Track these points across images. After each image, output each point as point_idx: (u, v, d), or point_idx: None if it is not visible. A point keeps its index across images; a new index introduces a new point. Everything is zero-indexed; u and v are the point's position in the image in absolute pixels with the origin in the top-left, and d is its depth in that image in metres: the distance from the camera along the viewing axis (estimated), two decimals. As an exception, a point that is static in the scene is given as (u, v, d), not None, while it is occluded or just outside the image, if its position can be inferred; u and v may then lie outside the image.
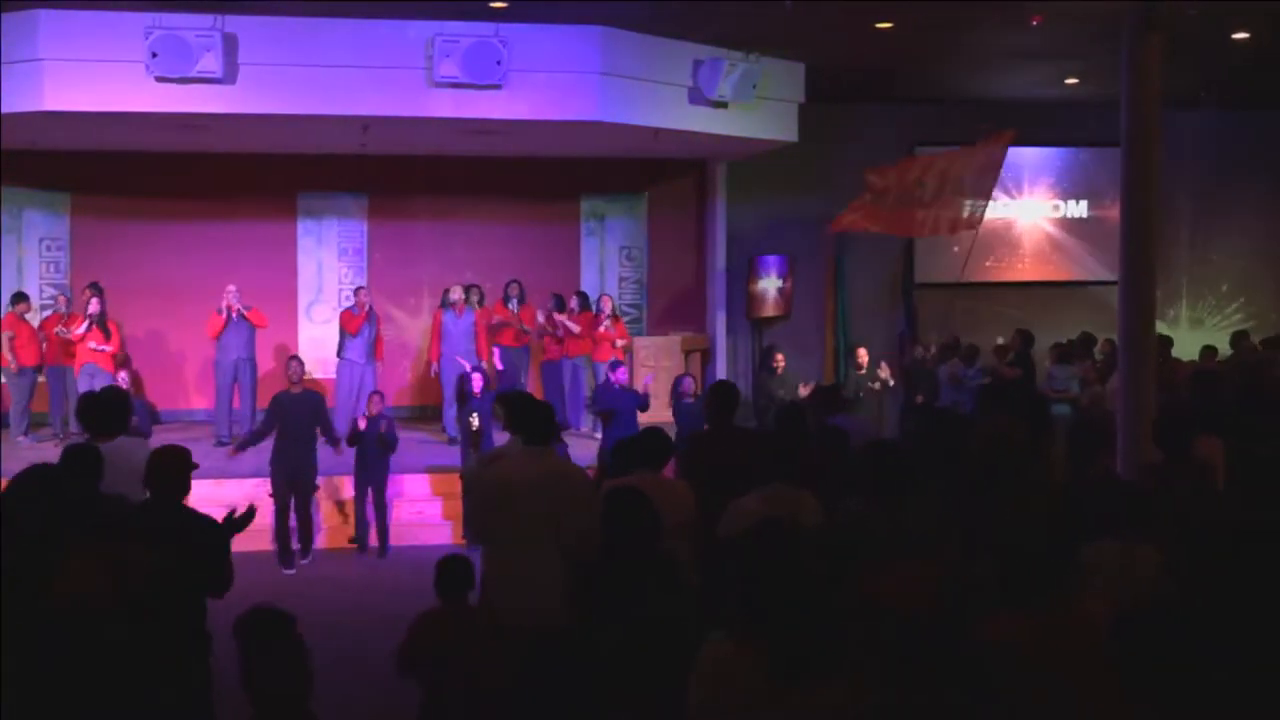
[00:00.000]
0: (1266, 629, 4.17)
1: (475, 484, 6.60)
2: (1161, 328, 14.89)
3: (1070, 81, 15.36)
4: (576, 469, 6.53)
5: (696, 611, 4.90)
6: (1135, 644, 3.47)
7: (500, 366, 14.20)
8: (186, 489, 5.86)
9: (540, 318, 15.25)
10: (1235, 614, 4.30)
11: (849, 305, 16.88)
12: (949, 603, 4.55)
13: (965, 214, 12.61)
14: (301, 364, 11.73)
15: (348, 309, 14.56)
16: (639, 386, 13.08)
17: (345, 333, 14.35)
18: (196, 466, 5.90)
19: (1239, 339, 15.28)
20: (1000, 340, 15.77)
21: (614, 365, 12.47)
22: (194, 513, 5.74)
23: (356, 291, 14.65)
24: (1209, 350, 14.90)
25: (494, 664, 5.29)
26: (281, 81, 11.69)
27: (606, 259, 17.25)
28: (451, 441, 13.82)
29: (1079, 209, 17.93)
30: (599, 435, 12.92)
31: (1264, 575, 4.46)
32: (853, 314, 16.93)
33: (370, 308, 14.47)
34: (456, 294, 14.51)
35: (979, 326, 17.10)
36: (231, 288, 14.20)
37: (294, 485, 11.31)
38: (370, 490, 11.73)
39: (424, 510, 12.56)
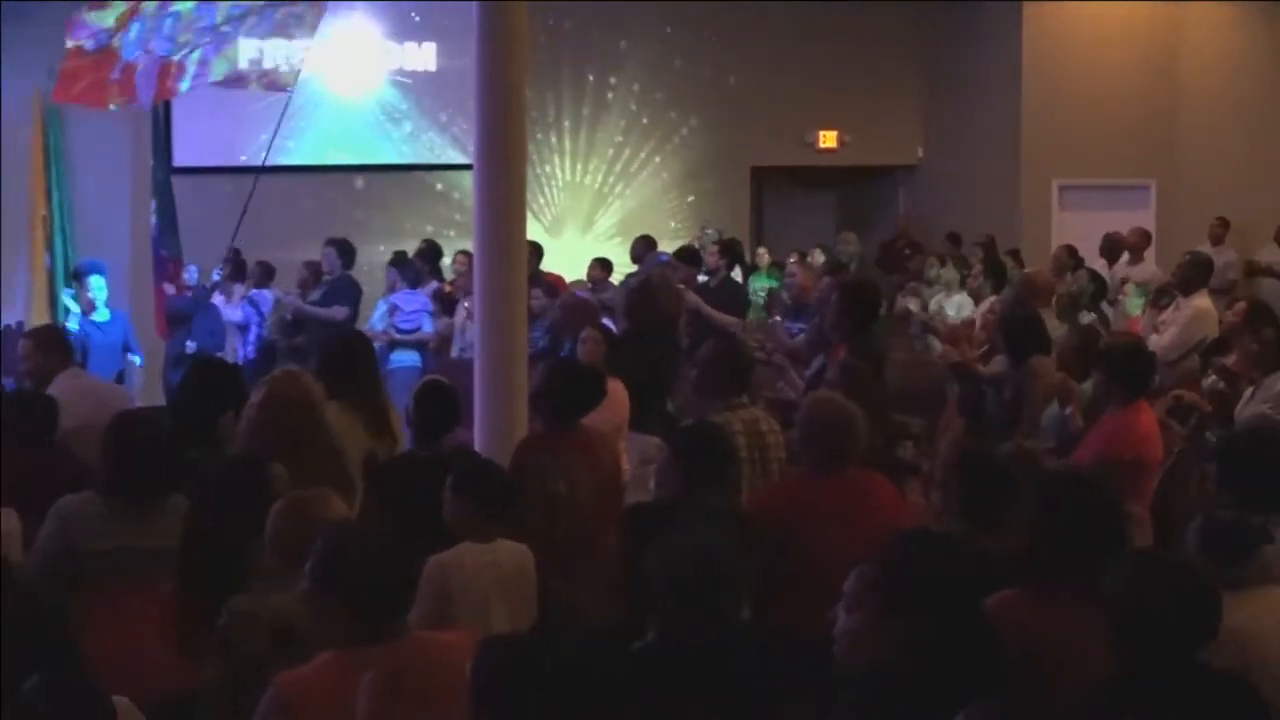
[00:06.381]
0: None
1: None
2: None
3: None
4: None
5: None
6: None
7: None
8: None
9: None
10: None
11: (72, 205, 12.73)
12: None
13: None
14: None
15: None
16: None
17: None
18: None
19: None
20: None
21: None
22: None
23: None
24: (599, 263, 11.16)
25: None
26: None
27: None
28: None
29: (425, 58, 14.56)
30: None
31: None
32: (81, 218, 12.86)
33: None
34: None
35: (283, 229, 12.83)
36: None
37: None
38: None
39: None
